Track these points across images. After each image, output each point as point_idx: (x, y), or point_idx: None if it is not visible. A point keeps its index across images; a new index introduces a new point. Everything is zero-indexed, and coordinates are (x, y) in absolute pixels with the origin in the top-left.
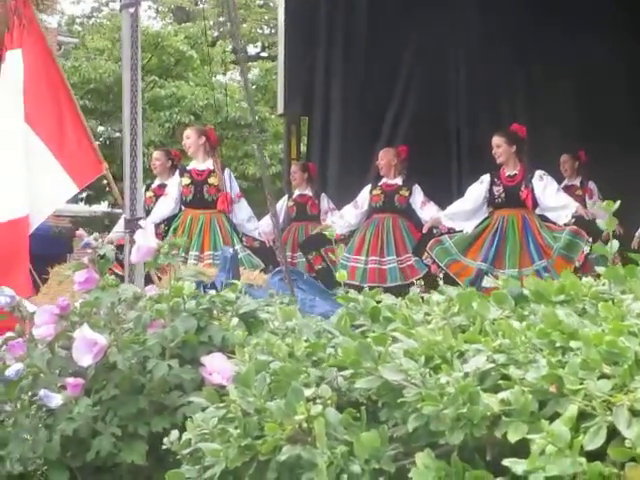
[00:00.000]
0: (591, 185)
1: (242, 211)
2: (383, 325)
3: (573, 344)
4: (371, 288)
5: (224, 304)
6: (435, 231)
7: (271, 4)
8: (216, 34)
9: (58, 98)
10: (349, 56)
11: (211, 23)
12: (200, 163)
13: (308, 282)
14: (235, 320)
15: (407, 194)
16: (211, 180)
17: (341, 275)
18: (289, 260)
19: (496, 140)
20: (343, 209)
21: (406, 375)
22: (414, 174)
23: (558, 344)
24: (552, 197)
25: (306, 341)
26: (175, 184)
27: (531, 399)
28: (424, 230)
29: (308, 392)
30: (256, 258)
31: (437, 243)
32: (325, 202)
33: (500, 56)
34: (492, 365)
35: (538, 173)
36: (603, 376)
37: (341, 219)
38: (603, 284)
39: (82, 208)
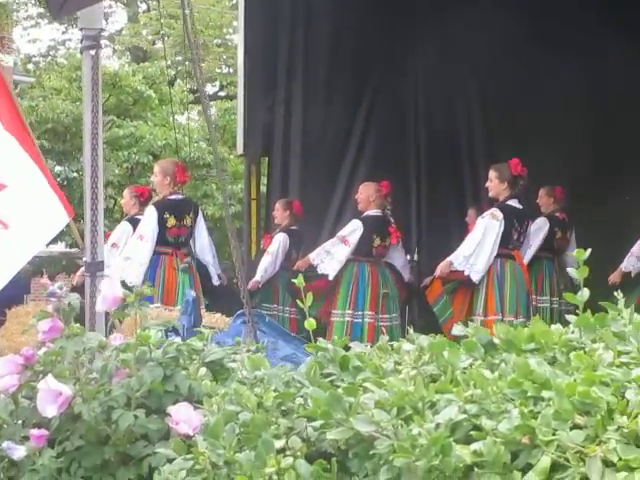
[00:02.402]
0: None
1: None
2: (352, 374)
3: (545, 394)
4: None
5: (191, 352)
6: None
7: (229, 43)
8: (174, 73)
9: (24, 136)
10: (309, 97)
11: (169, 62)
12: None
13: (270, 325)
14: (203, 369)
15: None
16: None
17: (310, 324)
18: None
19: (490, 173)
20: (330, 247)
21: (378, 426)
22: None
23: (530, 394)
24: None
25: (275, 391)
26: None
27: (504, 450)
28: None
29: (278, 444)
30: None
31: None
32: (276, 244)
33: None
34: (464, 416)
35: (489, 212)
36: (576, 427)
37: (329, 256)
38: (572, 332)
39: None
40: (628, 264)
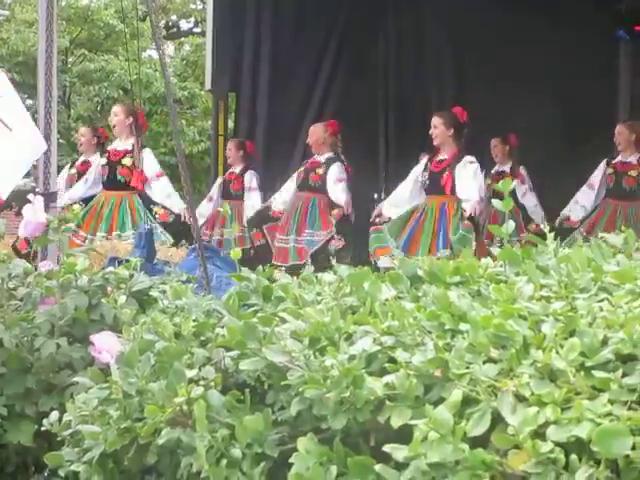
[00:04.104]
0: (522, 170)
1: (162, 189)
2: (275, 305)
3: (462, 327)
4: (276, 267)
5: (118, 281)
6: (378, 220)
7: None
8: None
9: None
10: (278, 32)
11: None
12: (121, 142)
13: (224, 260)
14: (123, 298)
15: (322, 172)
16: (124, 161)
17: (235, 253)
18: (204, 237)
19: (434, 120)
20: (283, 185)
21: (290, 357)
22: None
23: (448, 327)
24: (463, 186)
25: (194, 321)
26: (94, 165)
27: (416, 383)
28: (371, 219)
29: (191, 373)
30: (167, 235)
31: (375, 231)
32: (248, 179)
33: (431, 39)
34: (379, 348)
35: (465, 159)
36: (490, 360)
37: (280, 195)
38: (500, 266)
39: None
40: (567, 209)
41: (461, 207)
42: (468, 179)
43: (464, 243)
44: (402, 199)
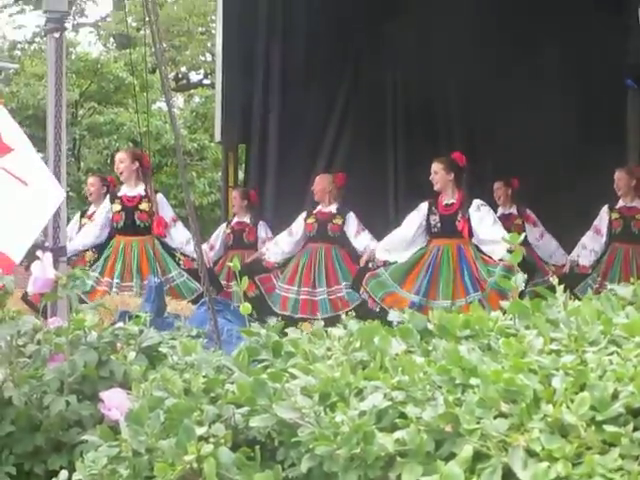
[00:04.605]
0: (530, 212)
1: (180, 234)
2: (285, 360)
3: (473, 381)
4: (303, 320)
5: (128, 337)
6: (371, 264)
7: (213, 31)
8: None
9: None
10: (287, 84)
11: (152, 50)
12: (132, 189)
13: (235, 313)
14: (133, 354)
15: (341, 222)
16: (142, 206)
17: (245, 308)
18: (225, 289)
19: (434, 166)
20: (278, 236)
21: (301, 413)
22: (350, 202)
23: (458, 381)
24: (488, 230)
25: (204, 377)
26: (103, 211)
27: (427, 439)
28: (361, 264)
29: (201, 430)
30: (195, 283)
31: (373, 277)
32: (263, 230)
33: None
34: (389, 403)
35: (476, 203)
36: (500, 415)
37: (275, 246)
38: (510, 319)
39: None
40: (575, 254)
41: (480, 249)
42: (490, 222)
43: (507, 283)
44: (401, 243)
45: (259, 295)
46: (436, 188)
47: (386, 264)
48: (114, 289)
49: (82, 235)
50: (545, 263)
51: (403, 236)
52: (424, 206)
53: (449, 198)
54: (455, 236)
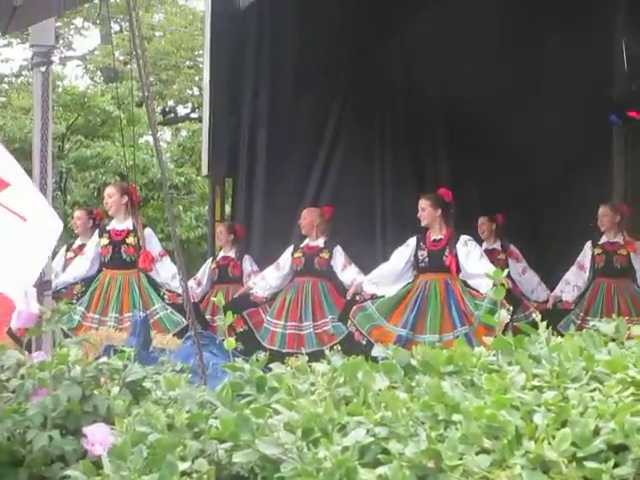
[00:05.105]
0: (513, 248)
1: (166, 269)
2: (268, 395)
3: (456, 417)
4: (290, 354)
5: (112, 372)
6: (358, 297)
7: (201, 65)
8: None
9: None
10: (273, 118)
11: (139, 83)
12: (120, 222)
13: (221, 347)
14: (116, 389)
15: (328, 256)
16: (129, 240)
17: (229, 343)
18: (211, 324)
19: (422, 203)
20: (265, 271)
21: (284, 449)
22: (338, 235)
23: (441, 417)
24: (475, 264)
25: (188, 412)
26: (93, 244)
27: (409, 475)
28: (348, 297)
29: (184, 466)
30: (178, 315)
31: (360, 309)
32: (248, 264)
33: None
34: (372, 439)
35: (463, 238)
36: (483, 451)
37: (262, 281)
38: (493, 354)
39: None
40: (559, 290)
41: (467, 283)
42: (477, 257)
43: (490, 319)
44: (389, 277)
45: (247, 330)
46: (424, 224)
47: (373, 297)
48: (95, 324)
49: (73, 268)
50: (527, 299)
51: (391, 270)
52: (412, 241)
53: (437, 234)
54: (442, 271)
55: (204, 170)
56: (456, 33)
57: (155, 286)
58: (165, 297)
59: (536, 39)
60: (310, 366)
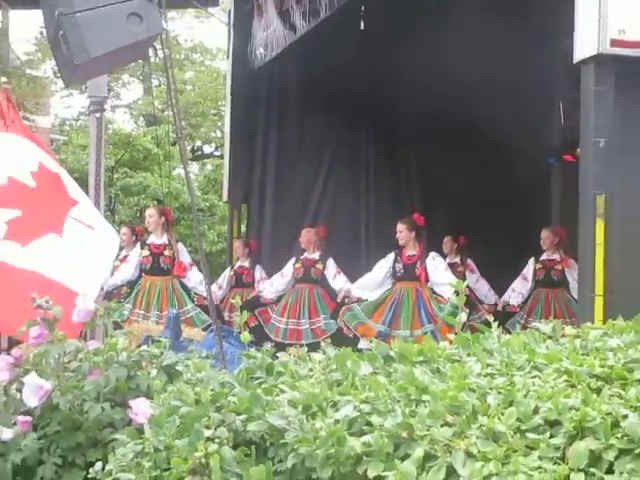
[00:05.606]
0: (469, 261)
1: (195, 276)
2: (276, 378)
3: (425, 397)
4: (290, 345)
5: (151, 357)
6: (347, 300)
7: (223, 113)
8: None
9: None
10: (281, 155)
11: (173, 127)
12: (158, 238)
13: (237, 338)
14: (154, 371)
15: (322, 267)
16: (166, 252)
17: (245, 337)
18: (227, 319)
19: (399, 226)
20: (272, 277)
21: (288, 420)
22: (331, 250)
23: (413, 397)
24: (440, 275)
25: (211, 390)
26: (135, 254)
27: (387, 442)
28: (338, 299)
29: (208, 433)
30: (205, 315)
31: (348, 310)
32: (258, 272)
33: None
34: (358, 413)
35: (431, 254)
36: (446, 424)
37: (271, 286)
38: (455, 348)
39: None
40: (507, 296)
41: (434, 290)
42: (441, 270)
43: (455, 316)
44: (372, 284)
45: (258, 325)
46: (401, 243)
47: (359, 300)
48: (140, 318)
49: (120, 273)
50: (481, 303)
51: (374, 279)
52: (391, 256)
53: (411, 250)
54: (415, 280)
55: (225, 197)
56: (423, 71)
57: (187, 290)
58: (194, 299)
59: (489, 89)
60: (309, 355)
